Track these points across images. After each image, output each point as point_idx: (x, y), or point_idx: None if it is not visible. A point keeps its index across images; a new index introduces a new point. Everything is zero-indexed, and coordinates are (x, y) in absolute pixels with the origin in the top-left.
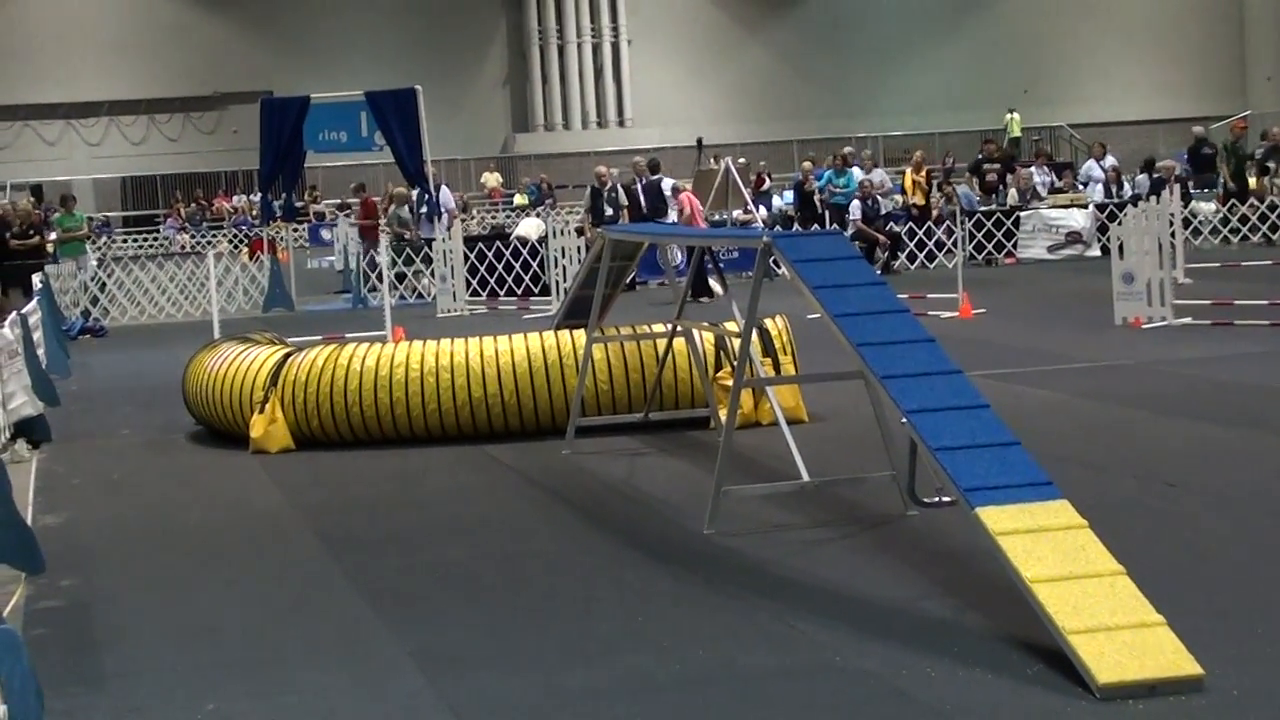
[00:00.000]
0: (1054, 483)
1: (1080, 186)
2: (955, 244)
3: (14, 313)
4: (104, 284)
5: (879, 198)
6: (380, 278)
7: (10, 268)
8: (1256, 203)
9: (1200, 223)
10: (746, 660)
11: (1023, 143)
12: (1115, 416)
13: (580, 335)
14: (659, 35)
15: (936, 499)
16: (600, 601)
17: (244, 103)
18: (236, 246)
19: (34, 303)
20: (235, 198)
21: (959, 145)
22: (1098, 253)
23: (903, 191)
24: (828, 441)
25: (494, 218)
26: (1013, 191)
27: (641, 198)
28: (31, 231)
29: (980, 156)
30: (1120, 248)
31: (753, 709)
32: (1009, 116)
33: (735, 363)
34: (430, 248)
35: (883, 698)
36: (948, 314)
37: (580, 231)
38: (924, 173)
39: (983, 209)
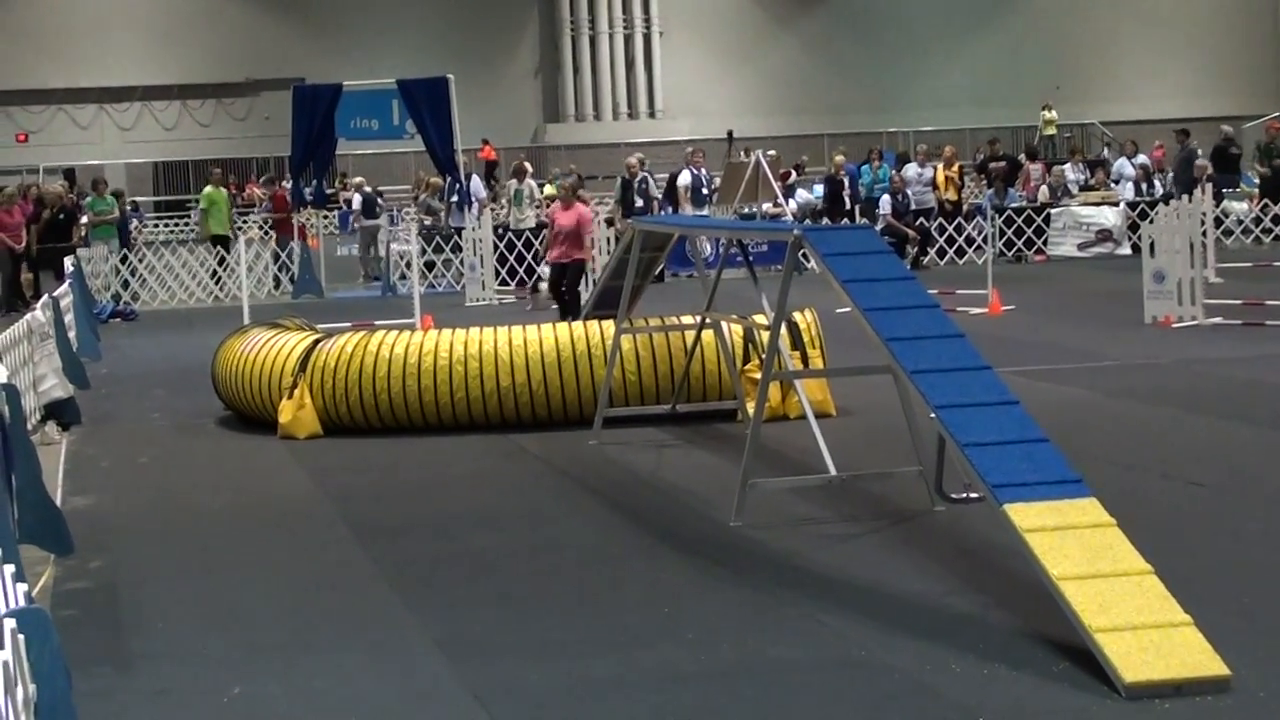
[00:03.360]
0: (1082, 480)
1: (1113, 184)
2: (985, 240)
3: (45, 295)
4: (135, 268)
5: (909, 192)
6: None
7: (43, 251)
8: None
9: (1232, 222)
10: (772, 653)
11: (1056, 139)
12: (1144, 415)
13: (609, 326)
14: (691, 27)
15: (964, 495)
16: (626, 592)
17: (276, 89)
18: (267, 233)
19: (65, 286)
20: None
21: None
22: (1128, 251)
23: (934, 187)
24: (855, 436)
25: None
26: (1044, 188)
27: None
28: (63, 215)
29: (984, 156)
30: (1151, 246)
31: (778, 701)
32: (1048, 114)
33: (764, 355)
34: (460, 236)
35: (907, 692)
36: (977, 310)
37: (610, 222)
38: (956, 168)
39: (1013, 206)
